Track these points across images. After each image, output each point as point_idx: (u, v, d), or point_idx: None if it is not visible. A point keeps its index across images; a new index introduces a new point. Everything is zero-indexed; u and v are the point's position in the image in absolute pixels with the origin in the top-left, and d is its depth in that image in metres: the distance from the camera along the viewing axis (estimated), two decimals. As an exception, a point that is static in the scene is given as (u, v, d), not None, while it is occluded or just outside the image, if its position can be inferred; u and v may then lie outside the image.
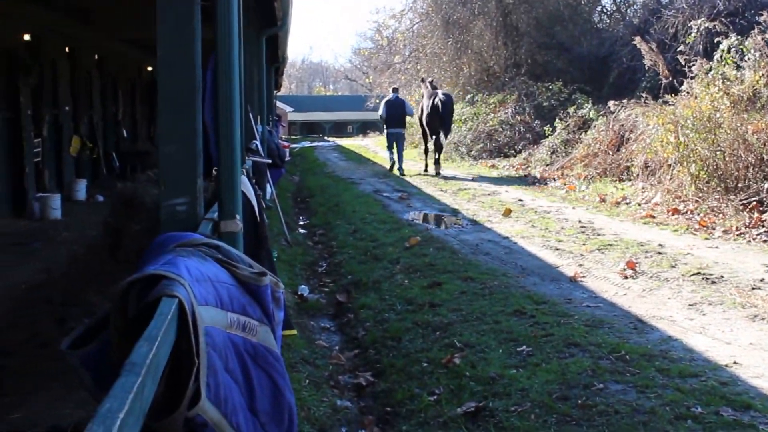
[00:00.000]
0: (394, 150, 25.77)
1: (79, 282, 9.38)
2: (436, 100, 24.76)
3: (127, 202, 10.77)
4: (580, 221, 13.62)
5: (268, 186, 12.06)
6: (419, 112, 26.41)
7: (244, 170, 5.49)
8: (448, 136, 25.98)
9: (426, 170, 25.12)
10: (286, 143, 28.67)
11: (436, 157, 24.88)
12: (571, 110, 25.60)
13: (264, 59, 14.29)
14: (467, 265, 10.42)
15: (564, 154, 22.74)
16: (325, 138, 67.65)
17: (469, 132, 30.49)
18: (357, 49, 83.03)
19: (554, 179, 20.19)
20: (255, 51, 12.90)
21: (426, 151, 25.89)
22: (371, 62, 57.17)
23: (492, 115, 30.70)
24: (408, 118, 27.13)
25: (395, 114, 25.46)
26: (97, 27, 19.72)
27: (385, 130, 26.41)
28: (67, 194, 18.07)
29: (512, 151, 27.52)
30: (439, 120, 24.61)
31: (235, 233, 4.07)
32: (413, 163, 28.39)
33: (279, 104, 56.05)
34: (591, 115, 23.90)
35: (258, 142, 11.17)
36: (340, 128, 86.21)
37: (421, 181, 21.72)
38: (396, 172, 25.17)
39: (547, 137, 25.32)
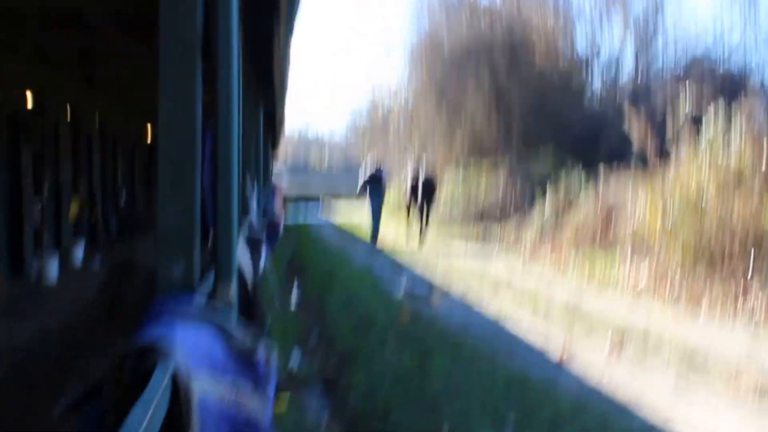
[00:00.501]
0: (374, 220, 26.99)
1: (74, 346, 9.28)
2: (421, 176, 26.47)
3: (124, 266, 10.72)
4: (567, 299, 13.57)
5: (263, 253, 12.00)
6: (406, 188, 27.70)
7: (240, 237, 5.44)
8: (432, 211, 27.44)
9: (409, 242, 26.11)
10: (281, 212, 29.23)
11: (422, 230, 26.20)
12: (561, 183, 25.50)
13: (262, 127, 14.37)
14: (455, 344, 10.31)
15: (554, 226, 22.77)
16: (320, 210, 67.29)
17: (461, 202, 31.03)
18: (352, 124, 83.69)
19: (544, 252, 20.22)
20: (254, 118, 13.00)
21: (410, 224, 27.04)
22: (366, 137, 58.82)
23: (483, 185, 31.32)
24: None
25: (375, 187, 26.66)
26: (99, 89, 19.81)
27: (366, 202, 27.45)
28: (65, 256, 17.97)
29: (503, 222, 27.67)
30: (424, 196, 26.30)
31: (230, 299, 4.01)
32: (399, 235, 28.93)
33: (276, 176, 58.30)
34: (580, 188, 23.97)
35: (255, 209, 11.17)
36: (335, 201, 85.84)
37: (411, 255, 21.76)
38: (374, 243, 26.07)
39: (537, 208, 25.18)
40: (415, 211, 26.73)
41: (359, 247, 26.05)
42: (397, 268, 18.93)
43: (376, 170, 27.13)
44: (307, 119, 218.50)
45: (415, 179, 26.58)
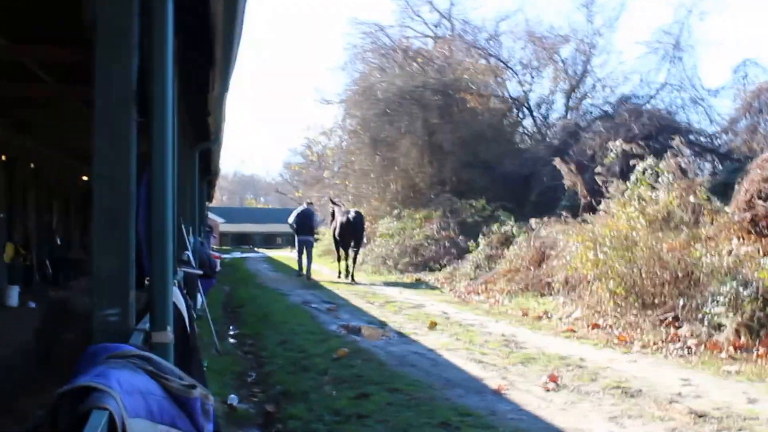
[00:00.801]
0: (304, 256, 27.70)
1: (10, 389, 9.14)
2: (349, 216, 27.27)
3: (59, 310, 10.55)
4: (503, 335, 13.72)
5: (199, 296, 11.95)
6: (333, 227, 28.42)
7: (175, 282, 5.46)
8: (360, 249, 28.55)
9: (339, 276, 27.29)
10: (217, 254, 28.84)
11: (350, 268, 26.72)
12: (494, 227, 25.80)
13: (197, 172, 14.37)
14: (394, 377, 10.34)
15: (487, 269, 22.75)
16: (256, 249, 68.38)
17: (396, 246, 30.88)
18: (288, 163, 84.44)
19: (478, 293, 20.24)
20: (189, 164, 12.92)
21: (339, 259, 27.92)
22: (301, 176, 58.95)
23: (418, 229, 31.35)
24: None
25: (305, 223, 27.55)
26: (35, 136, 19.65)
27: (296, 238, 28.17)
28: (0, 297, 17.75)
29: (437, 266, 27.67)
30: (352, 235, 27.11)
31: (166, 344, 4.02)
32: (330, 270, 30.47)
33: (211, 215, 56.39)
34: (513, 232, 24.38)
35: (190, 253, 11.08)
36: (270, 240, 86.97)
37: (349, 293, 21.63)
38: (305, 277, 26.77)
39: (471, 252, 25.47)
40: (344, 248, 27.49)
41: (294, 282, 26.44)
42: (332, 302, 19.02)
43: (307, 208, 28.26)
44: (242, 156, 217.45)
45: (346, 217, 27.28)
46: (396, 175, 38.02)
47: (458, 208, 31.31)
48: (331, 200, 31.61)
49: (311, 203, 29.89)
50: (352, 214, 27.41)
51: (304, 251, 27.59)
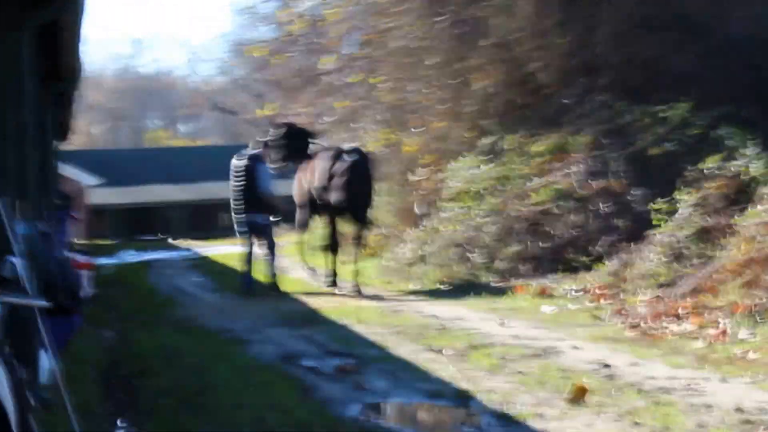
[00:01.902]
0: (259, 250, 15.08)
1: None
2: (346, 158, 14.73)
3: None
4: (740, 410, 6.75)
5: (43, 356, 6.50)
6: (309, 185, 15.29)
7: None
8: (369, 223, 15.69)
9: (333, 284, 14.86)
10: (84, 258, 13.80)
11: (354, 260, 14.88)
12: (711, 161, 12.93)
13: (24, 73, 7.00)
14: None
15: (698, 261, 11.65)
16: (172, 242, 34.20)
17: (489, 219, 15.19)
18: (237, 43, 42.85)
19: (678, 316, 11.64)
20: (10, 57, 6.62)
21: (329, 248, 15.07)
22: (270, 70, 27.57)
23: (538, 180, 15.32)
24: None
25: (246, 187, 14.78)
26: None
27: (233, 218, 15.35)
28: None
29: (583, 259, 13.81)
30: (351, 196, 14.61)
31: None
32: (318, 264, 16.13)
33: (68, 171, 33.33)
34: (756, 173, 12.24)
35: (17, 262, 5.41)
36: (203, 218, 44.10)
37: (384, 329, 11.17)
38: (276, 283, 14.99)
39: (660, 225, 12.68)
40: (329, 223, 15.22)
41: (253, 301, 14.43)
42: (345, 352, 10.63)
43: (250, 155, 15.05)
44: (137, 33, 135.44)
45: (334, 161, 14.78)
46: (484, 57, 17.83)
47: (628, 124, 15.29)
48: (301, 131, 16.38)
49: (264, 143, 15.65)
50: (350, 157, 14.77)
51: (256, 242, 15.03)
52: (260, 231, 14.94)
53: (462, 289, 13.94)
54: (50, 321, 5.88)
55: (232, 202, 15.21)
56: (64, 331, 7.20)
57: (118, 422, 5.27)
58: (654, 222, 12.81)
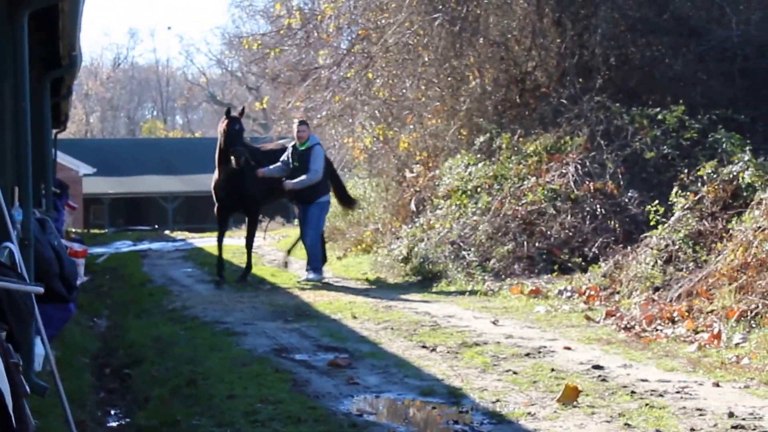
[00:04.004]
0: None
1: None
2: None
3: None
4: (732, 415, 6.52)
5: (38, 344, 6.35)
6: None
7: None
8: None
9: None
10: (79, 246, 13.06)
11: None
12: (706, 166, 12.60)
13: (25, 62, 6.72)
14: None
15: (693, 265, 11.37)
16: (168, 233, 33.23)
17: (485, 218, 14.92)
18: (234, 36, 43.91)
19: (671, 320, 10.20)
20: (8, 44, 6.49)
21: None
22: (267, 63, 26.87)
23: (533, 179, 15.07)
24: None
25: (298, 167, 14.27)
26: None
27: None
28: None
29: (577, 259, 13.76)
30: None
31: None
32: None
33: (64, 160, 34.47)
34: (751, 180, 11.76)
35: (14, 247, 5.52)
36: (199, 210, 43.03)
37: (377, 325, 11.05)
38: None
39: (656, 227, 12.29)
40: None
41: (258, 301, 13.31)
42: (338, 346, 10.06)
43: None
44: (134, 24, 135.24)
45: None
46: (481, 55, 17.95)
47: (622, 127, 15.08)
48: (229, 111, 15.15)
49: (233, 117, 14.72)
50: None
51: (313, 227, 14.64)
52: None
53: (455, 287, 13.85)
54: (45, 310, 5.79)
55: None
56: (61, 318, 7.09)
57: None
58: (651, 223, 12.64)
